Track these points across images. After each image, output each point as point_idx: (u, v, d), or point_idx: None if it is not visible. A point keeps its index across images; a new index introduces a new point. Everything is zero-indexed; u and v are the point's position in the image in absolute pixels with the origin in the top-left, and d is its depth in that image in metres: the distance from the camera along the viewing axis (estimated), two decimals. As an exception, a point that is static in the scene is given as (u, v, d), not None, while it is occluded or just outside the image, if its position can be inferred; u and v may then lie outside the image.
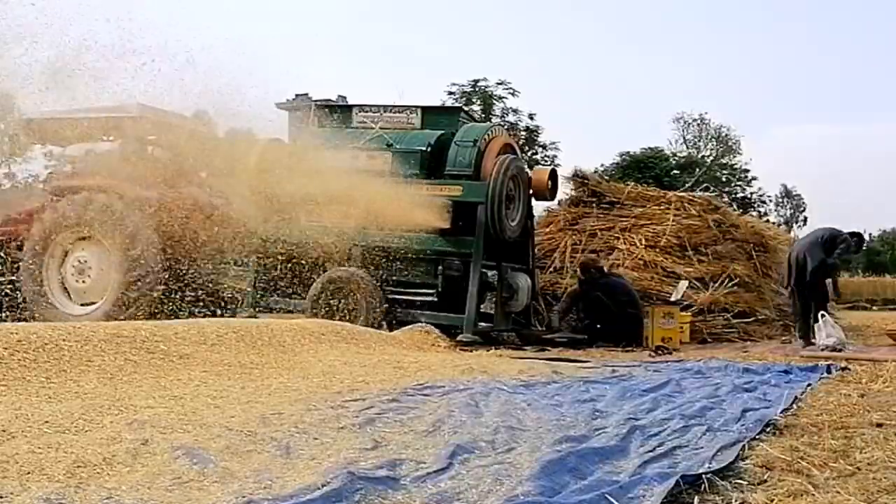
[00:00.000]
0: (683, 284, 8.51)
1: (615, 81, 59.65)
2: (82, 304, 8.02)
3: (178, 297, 7.84)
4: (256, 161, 7.79)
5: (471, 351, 6.72)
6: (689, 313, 8.10)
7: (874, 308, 20.69)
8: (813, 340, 7.07)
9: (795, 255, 7.66)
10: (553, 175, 8.47)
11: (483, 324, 7.69)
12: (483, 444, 2.64)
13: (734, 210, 11.92)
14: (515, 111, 33.16)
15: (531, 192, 8.24)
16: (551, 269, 9.47)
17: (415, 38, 60.76)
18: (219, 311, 7.94)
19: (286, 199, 7.77)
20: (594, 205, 9.94)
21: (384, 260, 7.58)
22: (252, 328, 5.42)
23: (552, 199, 8.88)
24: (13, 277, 8.13)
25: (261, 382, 3.96)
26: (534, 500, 1.98)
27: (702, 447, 2.63)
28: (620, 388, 4.04)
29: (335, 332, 6.07)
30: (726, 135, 35.90)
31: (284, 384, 3.94)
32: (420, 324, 7.22)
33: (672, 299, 8.21)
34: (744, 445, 2.61)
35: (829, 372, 4.88)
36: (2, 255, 8.24)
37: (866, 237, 48.35)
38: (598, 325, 7.81)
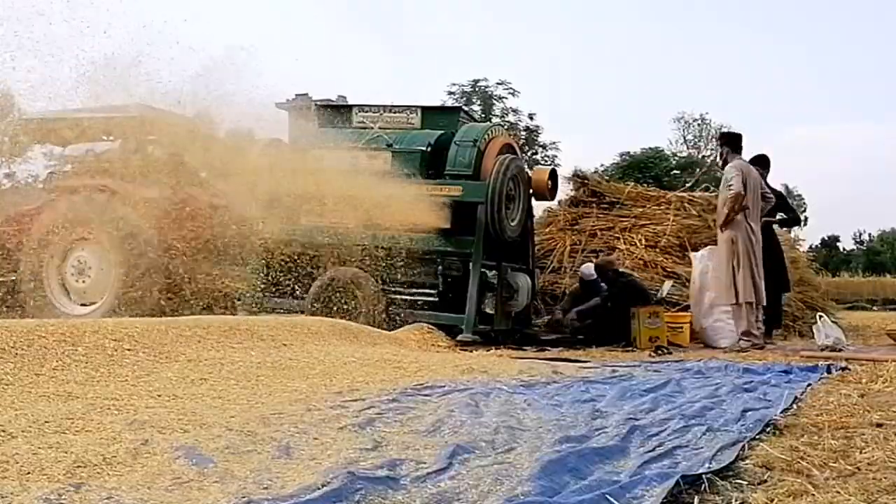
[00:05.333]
0: (668, 284, 8.55)
1: (615, 81, 59.75)
2: (82, 304, 8.03)
3: (178, 296, 7.84)
4: (256, 161, 7.80)
5: (471, 351, 6.72)
6: (690, 313, 8.10)
7: (874, 308, 20.70)
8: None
9: None
10: (553, 175, 8.47)
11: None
12: (483, 444, 2.63)
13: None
14: (515, 111, 33.22)
15: (531, 192, 8.24)
16: (551, 269, 9.48)
17: (415, 38, 60.76)
18: (219, 311, 7.94)
19: (286, 199, 7.78)
20: (594, 205, 9.95)
21: (384, 260, 7.58)
22: (251, 326, 5.43)
23: (552, 199, 8.89)
24: (13, 277, 8.14)
25: (260, 382, 3.96)
26: (534, 500, 1.98)
27: (702, 447, 2.63)
28: (620, 388, 4.04)
29: (335, 330, 6.07)
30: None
31: (284, 384, 3.94)
32: (420, 323, 7.23)
33: (658, 297, 8.24)
34: (744, 445, 2.61)
35: (829, 372, 4.88)
36: (2, 254, 8.25)
37: (866, 237, 48.48)
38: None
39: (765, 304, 7.21)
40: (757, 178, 7.26)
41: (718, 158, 7.60)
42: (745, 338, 6.98)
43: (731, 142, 7.62)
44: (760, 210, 7.39)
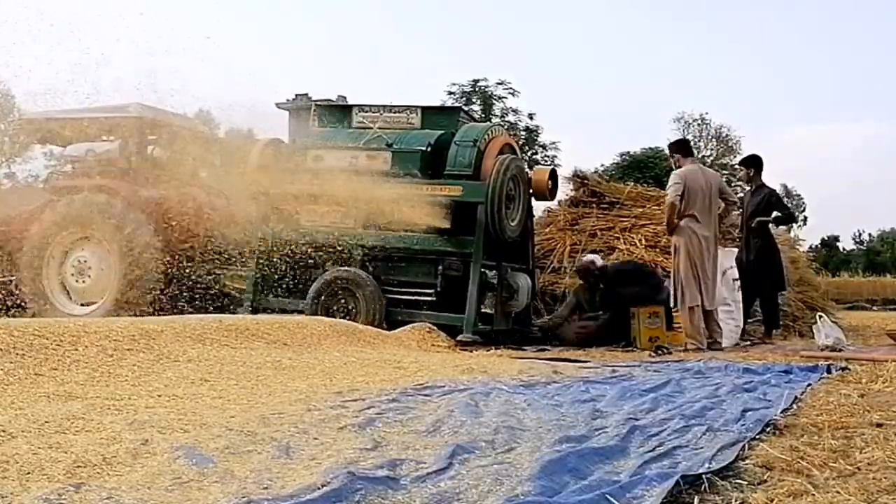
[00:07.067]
0: (668, 284, 8.55)
1: (615, 81, 59.76)
2: (82, 304, 8.04)
3: (178, 296, 7.85)
4: (256, 161, 7.80)
5: (471, 351, 6.72)
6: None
7: (874, 308, 20.71)
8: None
9: None
10: (553, 175, 8.47)
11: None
12: (483, 444, 2.63)
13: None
14: (515, 111, 33.26)
15: (531, 192, 8.24)
16: (551, 269, 9.48)
17: (415, 38, 60.77)
18: (219, 311, 7.95)
19: (286, 199, 7.78)
20: (594, 205, 9.95)
21: (384, 260, 7.58)
22: (251, 326, 5.43)
23: (552, 199, 8.88)
24: (13, 277, 8.14)
25: (260, 382, 3.96)
26: (534, 500, 1.98)
27: (702, 447, 2.63)
28: (620, 388, 4.03)
29: (335, 330, 6.07)
30: (727, 135, 35.96)
31: (284, 384, 3.94)
32: (420, 323, 7.23)
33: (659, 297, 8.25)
34: (744, 445, 2.60)
35: (829, 372, 4.88)
36: (2, 254, 8.25)
37: (866, 237, 48.48)
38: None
39: (714, 308, 7.32)
40: (711, 181, 7.38)
41: (673, 166, 7.69)
42: (690, 340, 7.08)
43: (680, 148, 7.84)
44: (723, 213, 7.61)
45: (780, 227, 9.08)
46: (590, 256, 8.49)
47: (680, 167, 7.43)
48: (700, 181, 7.29)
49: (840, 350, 6.46)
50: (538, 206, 9.44)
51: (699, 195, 7.20)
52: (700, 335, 7.12)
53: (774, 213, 8.29)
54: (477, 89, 32.72)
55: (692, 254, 7.16)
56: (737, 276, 7.98)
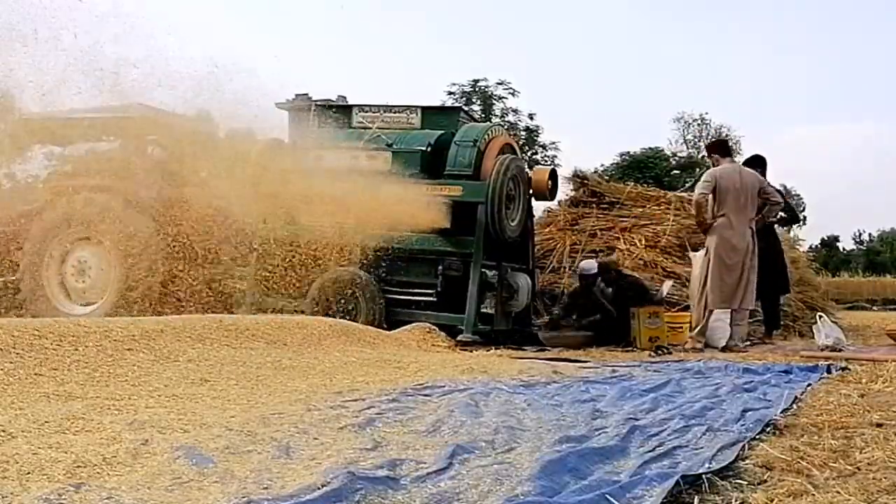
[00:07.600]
0: (668, 284, 8.55)
1: (615, 81, 59.77)
2: (82, 304, 8.03)
3: (178, 296, 7.85)
4: (256, 161, 7.79)
5: (471, 351, 6.72)
6: (690, 313, 8.09)
7: (874, 308, 20.69)
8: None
9: None
10: (553, 175, 8.47)
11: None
12: (483, 444, 2.63)
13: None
14: (515, 111, 33.26)
15: (531, 192, 8.24)
16: (551, 269, 9.48)
17: (415, 39, 60.79)
18: (219, 311, 7.94)
19: (286, 199, 7.78)
20: (594, 205, 9.95)
21: (384, 260, 7.58)
22: (251, 326, 5.43)
23: (552, 199, 8.88)
24: (13, 277, 8.14)
25: (260, 382, 3.96)
26: (534, 500, 1.98)
27: (702, 447, 2.63)
28: (620, 388, 4.04)
29: (335, 330, 6.07)
30: (727, 135, 35.94)
31: (284, 384, 3.94)
32: (420, 323, 7.23)
33: (656, 298, 8.25)
34: (744, 445, 2.61)
35: (829, 372, 4.88)
36: (2, 254, 8.25)
37: (866, 237, 48.47)
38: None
39: (749, 308, 7.31)
40: (748, 182, 7.27)
41: (712, 166, 7.66)
42: (694, 337, 7.15)
43: (718, 148, 7.80)
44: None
45: (784, 227, 9.07)
46: (588, 262, 8.50)
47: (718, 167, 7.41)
48: (734, 181, 7.18)
49: (840, 350, 6.46)
50: (538, 206, 9.45)
51: (731, 194, 7.11)
52: (703, 337, 7.13)
53: (779, 214, 8.28)
54: (477, 89, 32.72)
55: (722, 256, 7.11)
56: None
